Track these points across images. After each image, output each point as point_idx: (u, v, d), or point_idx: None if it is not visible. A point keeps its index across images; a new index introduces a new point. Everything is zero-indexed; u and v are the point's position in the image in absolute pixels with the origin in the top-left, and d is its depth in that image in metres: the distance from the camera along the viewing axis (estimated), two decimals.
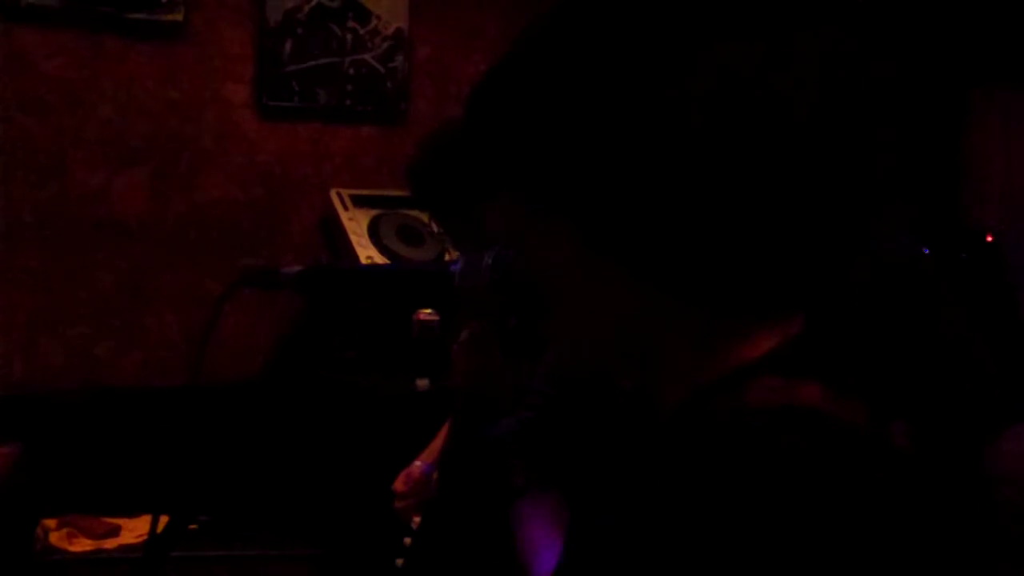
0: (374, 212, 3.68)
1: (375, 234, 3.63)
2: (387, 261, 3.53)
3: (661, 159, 0.74)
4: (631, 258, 0.78)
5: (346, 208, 3.70)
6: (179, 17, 3.60)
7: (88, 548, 3.07)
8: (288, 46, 3.76)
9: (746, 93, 0.73)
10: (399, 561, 2.39)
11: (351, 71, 3.84)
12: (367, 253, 3.56)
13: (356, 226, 3.64)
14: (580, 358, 0.89)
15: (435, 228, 2.23)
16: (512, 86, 0.81)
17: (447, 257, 3.43)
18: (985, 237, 3.58)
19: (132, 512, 3.22)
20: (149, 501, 3.17)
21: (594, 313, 0.82)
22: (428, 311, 3.22)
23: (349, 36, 3.84)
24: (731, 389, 0.78)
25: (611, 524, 0.70)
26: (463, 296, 1.19)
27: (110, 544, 3.11)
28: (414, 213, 3.57)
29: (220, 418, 3.36)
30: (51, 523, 3.10)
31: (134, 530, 3.17)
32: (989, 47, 3.68)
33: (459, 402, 2.11)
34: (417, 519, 2.41)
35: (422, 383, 3.41)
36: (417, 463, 2.49)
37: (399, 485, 2.46)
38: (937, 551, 0.77)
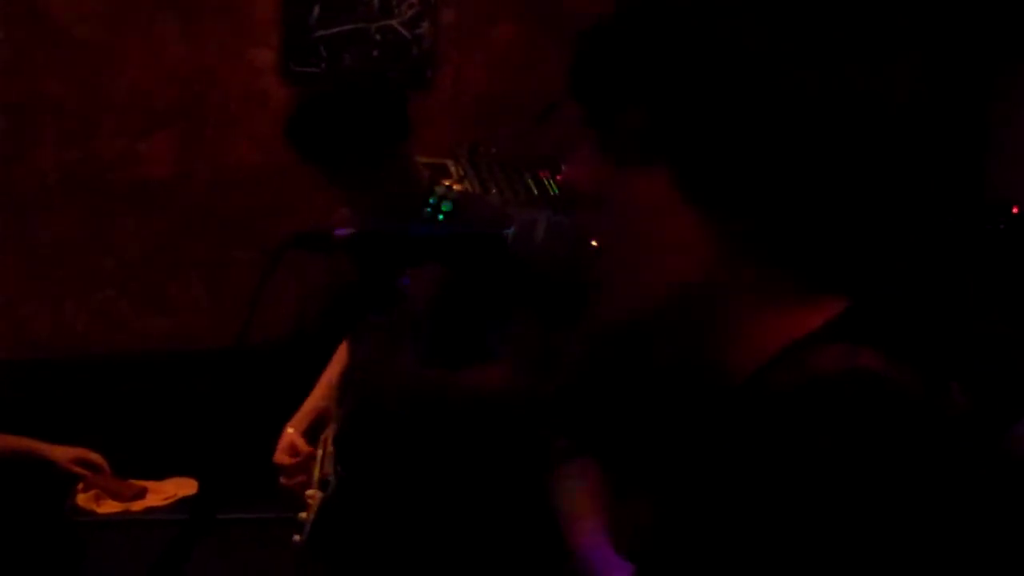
0: None
1: None
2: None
3: (771, 119, 0.78)
4: (721, 206, 0.81)
5: None
6: None
7: (115, 510, 3.09)
8: (316, 11, 3.74)
9: (854, 80, 0.79)
10: (296, 537, 2.36)
11: (378, 37, 3.83)
12: None
13: None
14: (641, 309, 0.87)
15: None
16: (638, 30, 0.84)
17: None
18: (1011, 209, 3.56)
19: (159, 475, 3.24)
20: (176, 464, 3.19)
21: (671, 259, 0.84)
22: None
23: (376, 2, 3.82)
24: (799, 356, 0.80)
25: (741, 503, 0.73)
26: (517, 258, 1.20)
27: (137, 506, 3.13)
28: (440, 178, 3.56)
29: (248, 382, 3.36)
30: (79, 485, 3.12)
31: (161, 493, 3.19)
32: (1016, 21, 3.66)
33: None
34: (311, 493, 2.37)
35: None
36: (290, 430, 2.44)
37: (283, 458, 2.40)
38: (994, 509, 0.78)
